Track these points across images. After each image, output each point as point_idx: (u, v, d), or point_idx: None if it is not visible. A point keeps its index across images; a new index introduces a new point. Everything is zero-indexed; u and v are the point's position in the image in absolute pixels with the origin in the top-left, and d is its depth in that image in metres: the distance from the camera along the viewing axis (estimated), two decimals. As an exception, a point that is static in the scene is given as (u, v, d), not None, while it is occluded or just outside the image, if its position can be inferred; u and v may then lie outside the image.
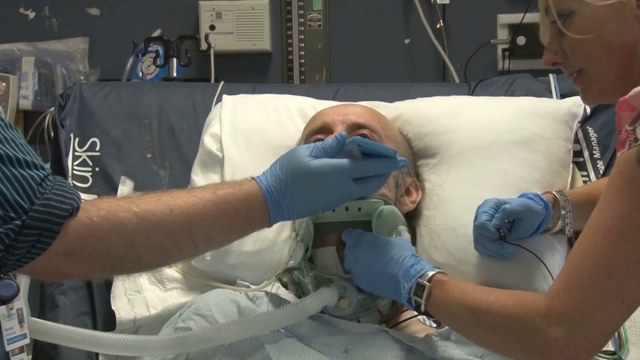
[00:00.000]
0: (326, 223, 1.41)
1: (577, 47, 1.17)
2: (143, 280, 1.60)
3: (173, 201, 1.14)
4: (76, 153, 1.82)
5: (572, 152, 1.62)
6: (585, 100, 1.24)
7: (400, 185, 1.51)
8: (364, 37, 2.61)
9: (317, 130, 1.53)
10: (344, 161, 1.22)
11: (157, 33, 2.54)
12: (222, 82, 1.98)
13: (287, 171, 1.20)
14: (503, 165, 1.54)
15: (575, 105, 1.68)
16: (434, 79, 2.54)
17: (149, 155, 1.83)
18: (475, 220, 1.35)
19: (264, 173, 1.23)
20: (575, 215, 1.40)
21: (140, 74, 2.48)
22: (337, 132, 1.47)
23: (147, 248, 1.12)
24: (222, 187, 1.19)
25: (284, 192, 1.20)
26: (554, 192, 1.42)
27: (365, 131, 1.50)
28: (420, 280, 1.25)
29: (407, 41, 2.61)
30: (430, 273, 1.25)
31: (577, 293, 1.05)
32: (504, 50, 2.51)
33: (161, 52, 2.47)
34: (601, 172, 1.66)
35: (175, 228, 1.14)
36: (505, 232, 1.34)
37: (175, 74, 2.44)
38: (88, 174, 1.80)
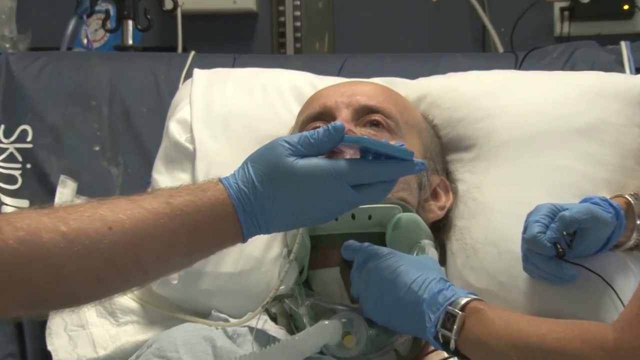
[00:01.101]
0: (327, 236, 1.42)
1: None
2: (89, 312, 1.61)
3: (113, 215, 1.14)
4: (1, 145, 1.83)
5: (651, 143, 1.64)
6: None
7: (424, 186, 1.52)
8: (379, -8, 2.63)
9: (315, 117, 1.54)
10: (340, 163, 1.21)
11: (107, -12, 2.56)
12: (192, 52, 1.99)
13: (263, 174, 1.20)
14: (560, 161, 1.55)
15: (656, 82, 1.69)
16: (471, 48, 2.56)
17: (97, 148, 1.85)
18: (524, 232, 1.36)
19: (233, 173, 1.22)
20: (656, 225, 1.42)
21: (85, 41, 2.49)
22: (341, 118, 1.49)
23: (80, 278, 1.12)
24: (178, 194, 1.19)
25: (260, 201, 1.19)
26: (627, 196, 1.42)
27: (377, 117, 1.51)
28: (450, 308, 1.25)
29: (435, -2, 2.62)
30: (464, 300, 1.26)
31: (654, 323, 1.06)
32: (562, 10, 2.52)
33: (112, 13, 2.48)
34: (690, 169, 1.67)
35: (116, 251, 1.13)
36: (564, 247, 1.34)
37: (131, 42, 2.46)
38: (17, 172, 1.81)
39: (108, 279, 1.14)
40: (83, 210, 1.14)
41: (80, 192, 1.77)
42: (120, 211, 1.14)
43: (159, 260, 1.17)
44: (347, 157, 1.23)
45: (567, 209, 1.35)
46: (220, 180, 1.21)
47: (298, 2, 2.64)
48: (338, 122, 1.23)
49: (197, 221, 1.17)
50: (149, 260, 1.16)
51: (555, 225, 1.34)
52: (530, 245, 1.35)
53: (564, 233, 1.34)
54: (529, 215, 1.37)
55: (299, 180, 1.19)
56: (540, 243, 1.33)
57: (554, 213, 1.35)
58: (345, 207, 1.24)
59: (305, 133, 1.22)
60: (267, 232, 1.23)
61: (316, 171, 1.20)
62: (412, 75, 1.80)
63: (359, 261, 1.37)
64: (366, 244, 1.38)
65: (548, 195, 1.44)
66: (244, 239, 1.22)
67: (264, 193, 1.19)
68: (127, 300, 1.62)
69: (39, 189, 1.78)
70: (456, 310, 1.25)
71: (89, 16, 2.50)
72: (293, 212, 1.21)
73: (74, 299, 1.16)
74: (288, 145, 1.21)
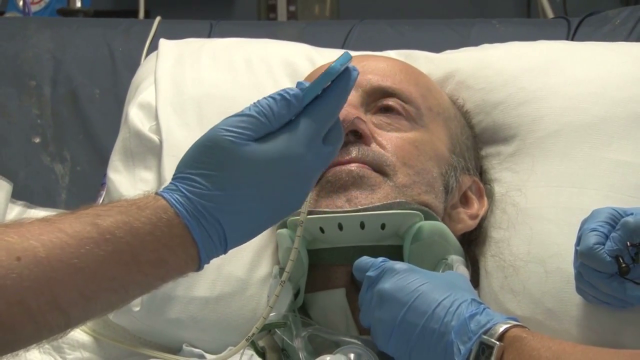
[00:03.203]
0: (329, 250, 1.44)
1: None
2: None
3: (22, 242, 1.11)
4: None
5: None
6: None
7: (452, 188, 1.54)
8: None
9: (314, 101, 1.56)
10: (308, 125, 1.22)
11: None
12: (157, 18, 2.01)
13: (219, 181, 1.19)
14: (623, 156, 1.56)
15: None
16: (511, 13, 2.56)
17: (37, 140, 1.86)
18: (578, 243, 1.37)
19: (175, 187, 1.19)
20: None
21: (21, 4, 2.50)
22: (348, 103, 1.50)
23: None
24: (107, 214, 1.16)
25: (225, 210, 1.19)
26: None
27: (391, 101, 1.54)
28: (485, 338, 1.26)
29: (466, -51, 2.65)
30: (502, 327, 1.27)
31: None
32: (628, -36, 2.54)
33: (55, -32, 2.51)
34: None
35: (27, 289, 1.10)
36: (628, 262, 1.34)
37: (79, 4, 2.46)
38: None
39: (17, 326, 1.11)
40: None
41: (16, 195, 1.77)
42: (31, 237, 1.11)
43: (84, 299, 1.14)
44: None
45: (631, 213, 1.35)
46: (159, 195, 1.19)
47: (292, -45, 2.65)
48: (296, 89, 1.24)
49: (134, 247, 1.15)
50: (70, 299, 1.13)
51: (617, 234, 1.34)
52: (586, 260, 1.35)
53: (628, 244, 1.34)
54: (584, 222, 1.38)
55: (270, 168, 1.21)
56: (598, 257, 1.33)
57: (616, 219, 1.36)
58: (323, 168, 1.27)
59: (251, 112, 1.22)
60: (227, 249, 1.22)
61: (288, 153, 1.22)
62: (437, 48, 1.81)
63: (370, 280, 1.37)
64: (380, 259, 1.38)
65: (607, 198, 1.47)
66: (200, 266, 1.21)
67: (230, 198, 1.19)
68: (77, 332, 1.62)
69: (-37, 191, 1.81)
70: (493, 340, 1.26)
71: (25, -28, 2.52)
72: (263, 205, 1.22)
73: None
74: (233, 134, 1.20)
